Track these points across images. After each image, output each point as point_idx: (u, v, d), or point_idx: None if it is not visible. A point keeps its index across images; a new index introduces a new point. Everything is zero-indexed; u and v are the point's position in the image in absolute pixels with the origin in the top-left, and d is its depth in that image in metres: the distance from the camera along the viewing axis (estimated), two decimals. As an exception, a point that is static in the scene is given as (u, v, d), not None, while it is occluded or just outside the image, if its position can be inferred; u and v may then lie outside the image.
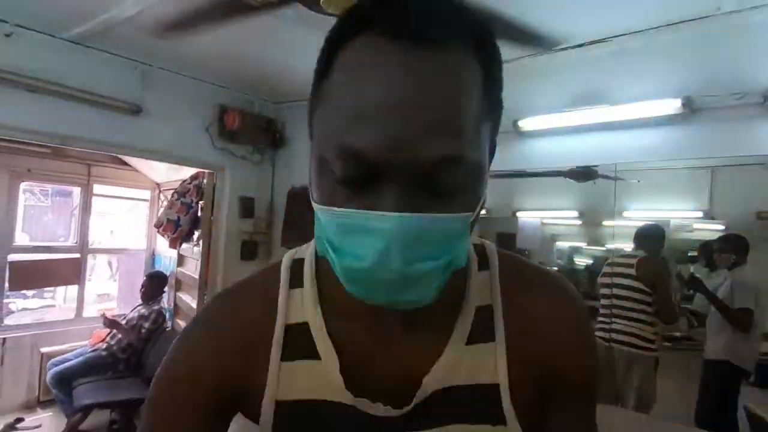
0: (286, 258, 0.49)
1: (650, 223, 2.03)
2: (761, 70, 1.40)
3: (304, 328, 0.44)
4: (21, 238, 3.81)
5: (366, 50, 0.34)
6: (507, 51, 1.62)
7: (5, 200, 3.42)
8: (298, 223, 2.70)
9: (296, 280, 0.47)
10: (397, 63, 0.32)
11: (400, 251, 0.33)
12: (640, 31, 1.59)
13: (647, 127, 1.61)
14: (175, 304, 3.53)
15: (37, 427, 3.16)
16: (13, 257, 3.47)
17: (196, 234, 3.13)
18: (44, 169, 3.60)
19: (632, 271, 1.93)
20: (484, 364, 0.44)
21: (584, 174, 2.23)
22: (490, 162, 0.41)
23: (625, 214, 2.12)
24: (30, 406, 3.42)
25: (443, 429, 0.43)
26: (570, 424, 0.47)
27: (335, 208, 0.35)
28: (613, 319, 1.97)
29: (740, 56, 1.45)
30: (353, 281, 0.36)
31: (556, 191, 2.43)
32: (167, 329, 3.42)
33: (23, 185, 3.61)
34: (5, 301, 3.54)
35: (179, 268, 3.54)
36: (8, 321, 3.59)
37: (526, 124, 1.84)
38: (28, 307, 5.26)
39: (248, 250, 2.85)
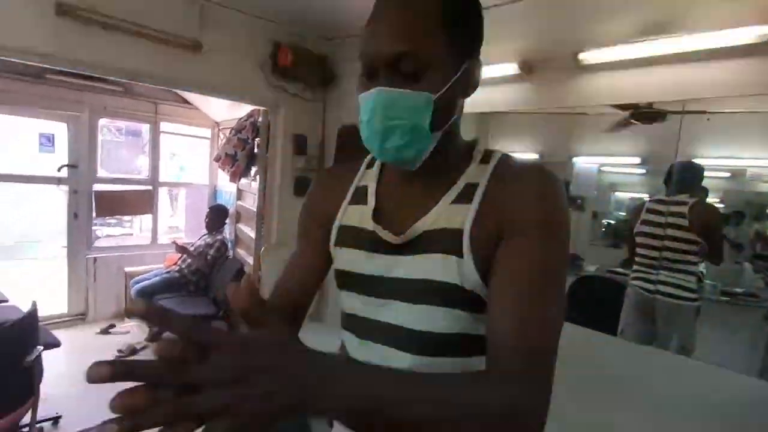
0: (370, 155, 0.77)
1: (686, 161, 1.88)
2: None
3: (365, 188, 0.74)
4: (100, 170, 4.22)
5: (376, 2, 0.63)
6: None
7: (87, 135, 3.77)
8: (347, 159, 2.76)
9: (371, 164, 0.77)
10: (380, 3, 0.62)
11: (381, 111, 0.60)
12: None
13: (726, 58, 1.45)
14: (236, 235, 3.83)
15: (126, 332, 3.69)
16: (97, 187, 3.87)
17: (253, 170, 3.30)
18: (118, 106, 3.89)
19: (682, 221, 1.81)
20: (457, 217, 0.63)
21: (651, 115, 2.07)
22: (478, 75, 0.65)
23: (695, 161, 1.97)
24: (119, 316, 3.97)
25: (424, 255, 0.64)
26: (506, 256, 0.59)
27: (359, 94, 0.63)
28: (660, 271, 1.90)
29: None
30: (365, 137, 0.64)
31: (617, 134, 2.29)
32: (229, 257, 3.75)
33: (101, 122, 3.93)
34: (93, 228, 4.01)
35: (239, 202, 3.79)
36: (97, 244, 4.09)
37: (588, 57, 1.71)
38: (111, 234, 5.92)
39: (300, 185, 2.98)
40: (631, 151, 2.35)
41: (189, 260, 3.66)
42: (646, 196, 2.21)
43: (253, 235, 3.18)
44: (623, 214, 2.57)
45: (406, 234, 0.65)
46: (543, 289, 0.56)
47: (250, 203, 3.43)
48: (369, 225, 0.69)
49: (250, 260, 3.22)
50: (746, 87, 1.46)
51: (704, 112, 1.98)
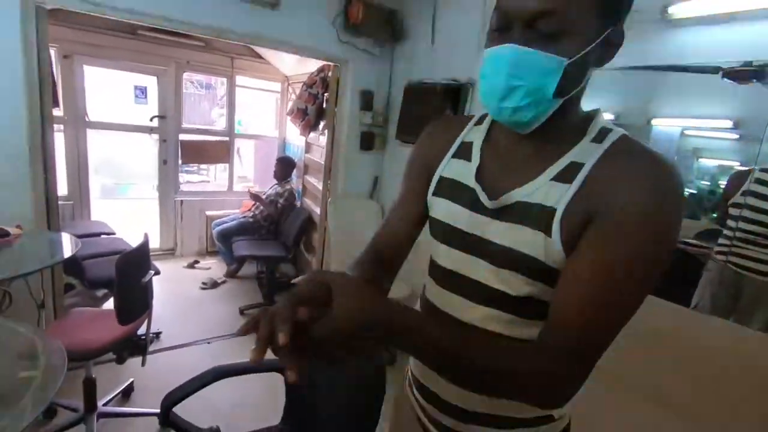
0: (483, 112, 0.77)
1: None
2: None
3: (470, 144, 0.75)
4: (184, 121, 4.59)
5: None
6: None
7: (173, 87, 4.10)
8: (413, 116, 2.81)
9: (481, 121, 0.78)
10: None
11: (507, 68, 0.58)
12: None
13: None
14: (304, 186, 4.07)
15: (208, 268, 4.16)
16: (182, 136, 4.25)
17: (322, 124, 3.46)
18: (200, 60, 4.16)
19: None
20: (554, 195, 0.61)
21: (747, 74, 1.90)
22: (615, 46, 0.60)
23: None
24: (202, 253, 4.46)
25: (513, 224, 0.65)
26: (596, 238, 0.56)
27: (487, 49, 0.61)
28: (748, 245, 1.80)
29: None
30: (483, 92, 0.63)
31: (705, 94, 2.11)
32: (297, 206, 4.02)
33: (184, 75, 4.23)
34: (178, 173, 4.44)
35: (307, 155, 4.00)
36: (182, 188, 4.54)
37: (678, 10, 1.60)
38: (191, 181, 6.47)
39: (366, 140, 3.09)
40: (722, 114, 2.17)
41: (261, 207, 3.99)
42: (736, 164, 2.06)
43: (320, 186, 3.39)
44: (707, 183, 2.41)
45: (501, 200, 0.65)
46: (623, 286, 0.55)
47: (318, 156, 3.61)
48: (470, 182, 0.70)
49: (317, 210, 3.45)
50: None
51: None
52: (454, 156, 0.76)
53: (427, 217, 0.79)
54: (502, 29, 0.59)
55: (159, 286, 3.31)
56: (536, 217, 0.62)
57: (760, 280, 1.76)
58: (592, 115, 0.66)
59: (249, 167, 5.72)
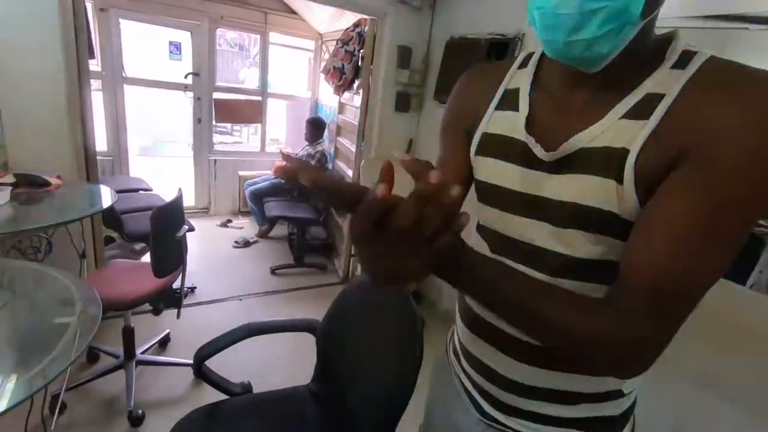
0: (523, 52, 0.69)
1: None
2: None
3: (516, 91, 0.65)
4: (218, 81, 4.55)
5: None
6: None
7: (207, 44, 4.04)
8: (454, 75, 2.64)
9: (524, 64, 0.67)
10: None
11: None
12: None
13: None
14: (336, 148, 4.00)
15: (241, 228, 4.21)
16: (216, 95, 4.22)
17: (356, 83, 3.33)
18: (233, 15, 4.06)
19: None
20: (625, 135, 0.51)
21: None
22: None
23: None
24: (234, 213, 4.52)
25: (575, 175, 0.55)
26: (682, 181, 0.46)
27: None
28: None
29: None
30: (542, 26, 0.50)
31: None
32: (329, 168, 3.97)
33: (218, 31, 4.15)
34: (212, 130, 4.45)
35: (340, 116, 3.90)
36: (216, 148, 4.56)
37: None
38: (224, 141, 6.52)
39: (402, 101, 2.95)
40: None
41: (293, 168, 3.95)
42: None
43: (353, 148, 3.30)
44: None
45: (560, 149, 0.55)
46: (708, 237, 0.45)
47: (351, 117, 3.51)
48: (520, 135, 0.60)
49: (350, 172, 3.38)
50: None
51: None
52: (498, 108, 0.65)
53: (472, 180, 0.70)
54: None
55: (193, 242, 3.39)
56: (604, 162, 0.52)
57: None
58: (670, 37, 0.53)
59: (281, 129, 5.68)
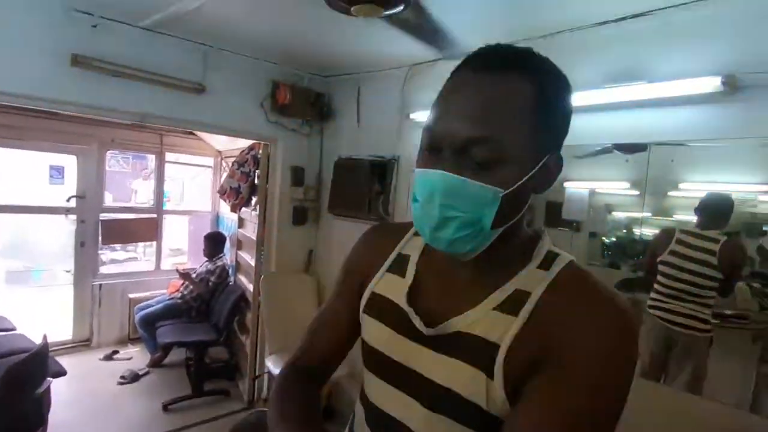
0: None
1: (716, 193, 1.87)
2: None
3: (407, 258, 0.69)
4: (107, 199, 4.36)
5: (454, 76, 0.56)
6: (544, 26, 1.64)
7: (95, 166, 3.93)
8: (344, 190, 2.88)
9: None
10: (461, 80, 0.55)
11: (440, 198, 0.52)
12: (684, 4, 1.53)
13: (686, 105, 1.58)
14: (237, 261, 3.93)
15: (129, 359, 3.76)
16: (103, 216, 4.01)
17: (254, 199, 3.44)
18: (125, 138, 4.05)
19: (711, 258, 1.82)
20: (498, 328, 0.55)
21: (634, 146, 2.19)
22: (555, 172, 0.57)
23: (682, 186, 2.04)
24: (122, 342, 4.05)
25: (450, 359, 0.57)
26: (545, 390, 0.50)
27: (417, 169, 0.57)
28: (673, 301, 1.93)
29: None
30: (416, 217, 0.57)
31: (606, 162, 2.36)
32: (230, 283, 3.85)
33: (108, 153, 4.09)
34: (99, 252, 4.13)
35: (240, 230, 3.91)
36: (102, 270, 4.20)
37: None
38: (116, 259, 6.03)
39: (299, 215, 3.10)
40: (620, 177, 2.45)
41: (191, 287, 3.76)
42: (647, 214, 2.26)
43: (253, 262, 3.29)
44: (624, 232, 2.62)
45: (439, 327, 0.58)
46: None
47: (251, 231, 3.55)
48: (402, 302, 0.64)
49: (251, 287, 3.32)
50: (706, 132, 1.59)
51: (682, 144, 2.10)
52: (389, 270, 0.69)
53: (357, 333, 0.73)
54: (433, 151, 0.54)
55: (66, 386, 2.93)
56: (477, 352, 0.55)
57: (686, 334, 1.88)
58: (538, 235, 0.62)
59: (183, 241, 5.46)
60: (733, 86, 1.45)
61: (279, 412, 0.64)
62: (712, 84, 1.47)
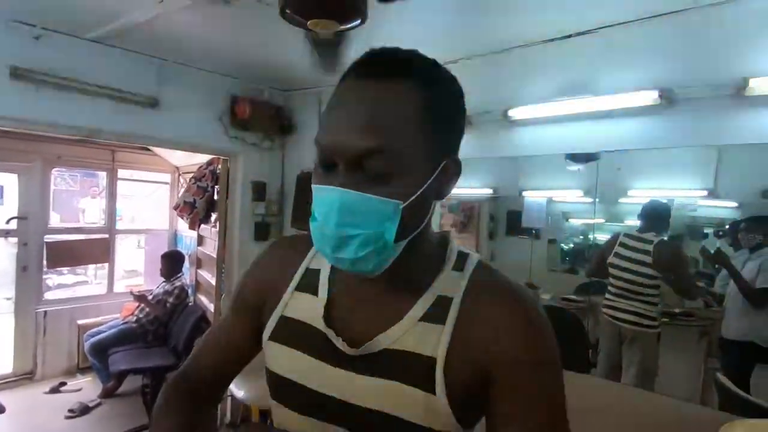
0: None
1: (655, 199, 2.02)
2: (736, 62, 1.45)
3: (317, 273, 0.63)
4: (53, 219, 4.10)
5: (340, 85, 0.53)
6: (496, 42, 1.70)
7: (39, 185, 3.69)
8: (307, 203, 2.85)
9: None
10: (349, 90, 0.51)
11: (337, 216, 0.48)
12: (625, 23, 1.65)
13: (628, 117, 1.68)
14: (196, 281, 3.79)
15: (78, 390, 3.51)
16: (48, 238, 3.76)
17: (214, 216, 3.33)
18: (73, 155, 3.84)
19: (647, 258, 1.95)
20: (428, 340, 0.53)
21: (583, 156, 2.30)
22: (455, 176, 0.56)
23: (631, 192, 2.16)
24: (71, 372, 3.78)
25: (384, 381, 0.53)
26: (506, 400, 0.52)
27: (314, 185, 0.53)
28: (620, 299, 2.05)
29: (716, 48, 1.50)
30: (314, 237, 0.53)
31: (560, 171, 2.44)
32: (189, 303, 3.69)
33: (54, 171, 3.85)
34: (44, 277, 3.86)
35: (199, 248, 3.78)
36: (47, 296, 3.92)
37: (515, 113, 1.92)
38: (63, 283, 5.65)
39: (261, 231, 3.03)
40: (575, 185, 2.56)
41: (147, 309, 3.58)
42: (600, 220, 2.37)
43: (213, 281, 3.18)
44: (581, 238, 2.73)
45: (364, 347, 0.54)
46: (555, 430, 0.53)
47: (211, 249, 3.43)
48: (318, 324, 0.58)
49: (212, 307, 3.20)
50: (646, 142, 1.70)
51: (628, 151, 2.23)
52: (298, 288, 0.62)
53: (254, 355, 0.67)
54: (328, 166, 0.51)
55: (7, 424, 2.70)
56: (410, 369, 0.52)
57: (633, 330, 2.00)
58: (444, 242, 0.61)
59: (139, 261, 5.20)
60: (668, 99, 1.56)
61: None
62: (650, 97, 1.57)
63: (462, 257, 0.59)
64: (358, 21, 1.10)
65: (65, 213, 5.08)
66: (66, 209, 5.09)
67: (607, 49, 1.72)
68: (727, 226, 1.93)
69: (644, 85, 1.60)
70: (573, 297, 2.49)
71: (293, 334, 0.60)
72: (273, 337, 0.61)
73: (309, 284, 0.62)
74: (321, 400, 0.56)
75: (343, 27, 1.06)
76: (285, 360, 0.60)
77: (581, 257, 2.68)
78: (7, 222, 3.57)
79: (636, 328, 1.99)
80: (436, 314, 0.54)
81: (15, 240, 3.63)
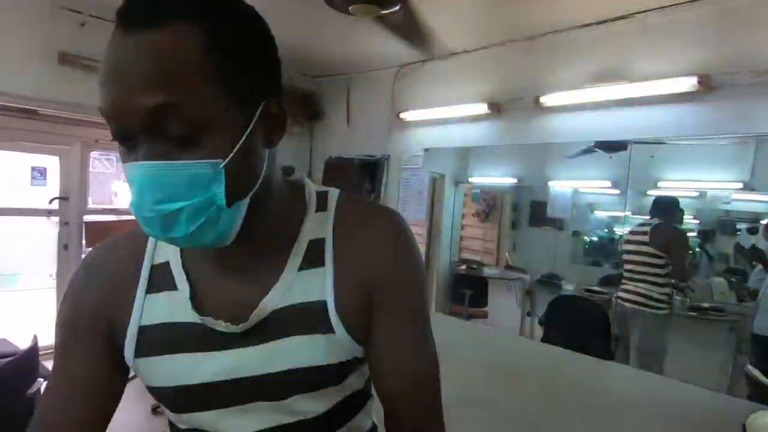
0: None
1: (665, 195, 2.13)
2: (780, 47, 1.41)
3: (166, 266, 0.55)
4: (91, 203, 4.28)
5: (110, 41, 0.42)
6: (529, 28, 1.68)
7: (78, 167, 3.86)
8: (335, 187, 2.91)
9: None
10: (117, 46, 0.41)
11: (150, 195, 0.42)
12: (662, 8, 1.61)
13: (664, 104, 1.66)
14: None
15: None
16: (87, 218, 3.94)
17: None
18: (110, 139, 3.99)
19: (645, 238, 2.07)
20: (314, 285, 0.53)
21: (612, 145, 2.27)
22: (282, 120, 0.50)
23: (661, 184, 2.16)
24: None
25: (281, 340, 0.52)
26: (386, 335, 0.55)
27: (124, 164, 0.44)
28: (629, 282, 2.13)
29: (760, 32, 1.46)
30: (140, 223, 0.45)
31: (588, 162, 2.42)
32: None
33: (93, 154, 4.02)
34: (82, 255, 4.05)
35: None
36: (86, 273, 4.11)
37: (547, 100, 1.91)
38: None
39: (289, 215, 3.10)
40: (602, 176, 2.52)
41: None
42: (628, 213, 2.35)
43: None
44: (605, 231, 2.70)
45: (252, 318, 0.51)
46: (423, 342, 0.57)
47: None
48: (190, 317, 0.52)
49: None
50: (683, 131, 1.67)
51: (661, 143, 2.18)
52: (150, 291, 0.55)
53: (122, 390, 0.57)
54: (125, 139, 0.43)
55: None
56: (306, 320, 0.52)
57: (634, 309, 2.08)
58: (299, 184, 0.59)
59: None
60: (707, 86, 1.53)
61: None
62: (688, 83, 1.55)
63: (322, 196, 0.58)
64: (398, 5, 1.13)
65: (97, 196, 5.29)
66: (100, 192, 5.30)
67: (643, 34, 1.69)
68: (763, 222, 1.90)
69: (682, 71, 1.57)
70: (596, 288, 2.49)
71: (160, 340, 0.53)
72: (138, 354, 0.53)
73: (162, 281, 0.55)
74: (225, 389, 0.52)
75: (384, 11, 1.09)
76: (164, 370, 0.53)
77: (605, 251, 2.67)
78: (50, 202, 3.76)
79: (637, 307, 2.06)
80: (312, 259, 0.53)
81: (56, 219, 3.82)
